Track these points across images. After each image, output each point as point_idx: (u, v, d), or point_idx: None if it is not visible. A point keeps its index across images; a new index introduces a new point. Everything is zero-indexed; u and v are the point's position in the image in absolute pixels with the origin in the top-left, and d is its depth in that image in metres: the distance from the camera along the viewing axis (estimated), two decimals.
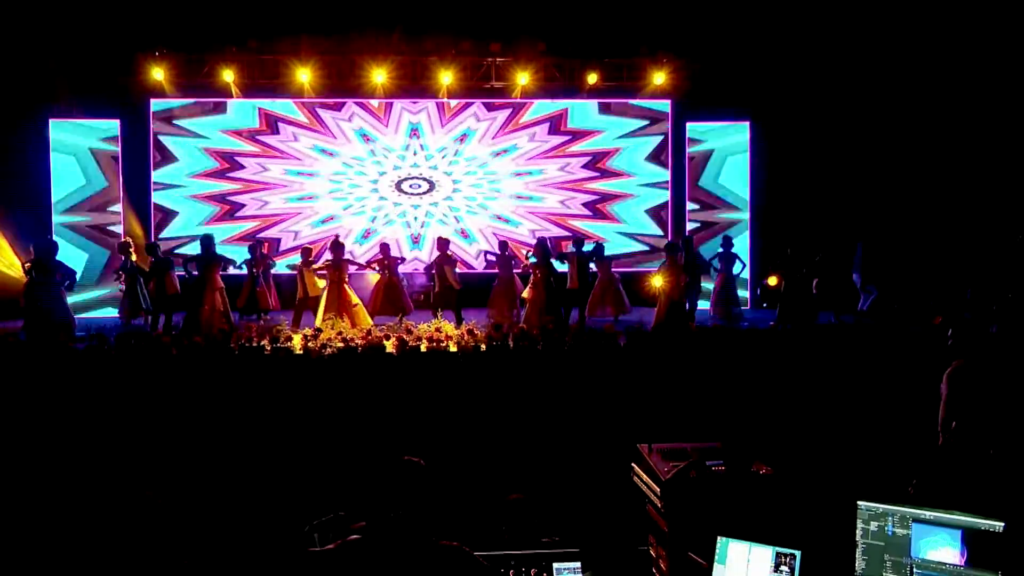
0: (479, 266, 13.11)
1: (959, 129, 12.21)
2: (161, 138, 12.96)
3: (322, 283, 10.59)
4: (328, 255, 10.84)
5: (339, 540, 2.49)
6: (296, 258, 11.59)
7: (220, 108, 13.07)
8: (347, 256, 11.00)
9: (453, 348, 8.31)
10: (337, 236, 11.62)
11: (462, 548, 2.45)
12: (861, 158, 12.68)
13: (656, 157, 13.59)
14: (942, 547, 2.75)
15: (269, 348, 8.21)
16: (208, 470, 7.67)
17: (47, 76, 12.08)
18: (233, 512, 6.03)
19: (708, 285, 11.90)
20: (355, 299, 10.43)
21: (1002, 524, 2.68)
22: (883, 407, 8.39)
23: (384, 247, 11.41)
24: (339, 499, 3.75)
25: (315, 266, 10.89)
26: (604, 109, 13.54)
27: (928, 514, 2.80)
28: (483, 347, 8.30)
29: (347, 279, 10.54)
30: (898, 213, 12.54)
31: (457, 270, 11.23)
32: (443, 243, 11.26)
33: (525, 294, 10.83)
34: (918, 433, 7.62)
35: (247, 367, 8.11)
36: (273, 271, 11.81)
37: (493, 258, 11.59)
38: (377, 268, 11.16)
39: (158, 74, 12.31)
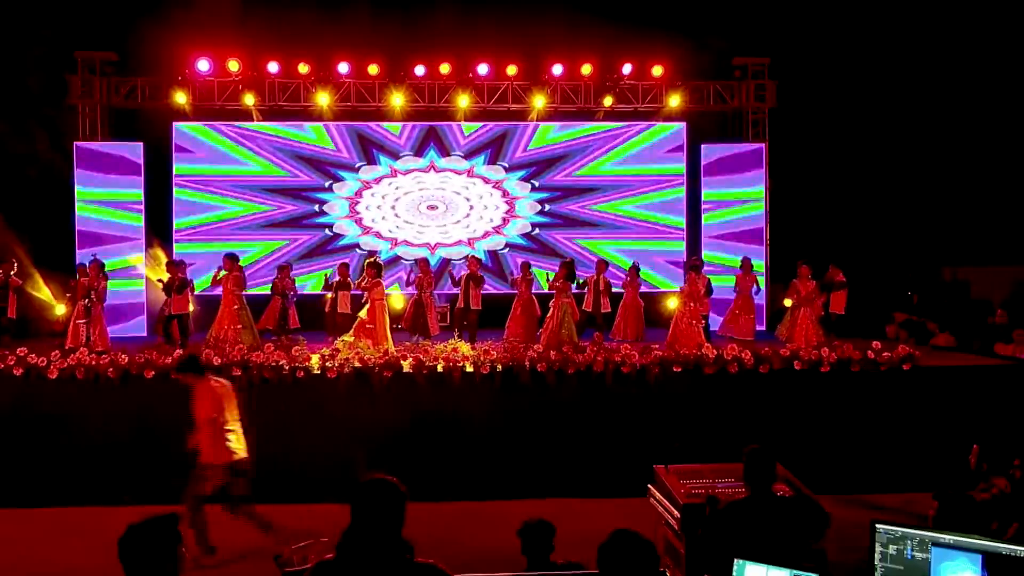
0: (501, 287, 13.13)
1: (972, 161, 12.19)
2: (182, 157, 13.17)
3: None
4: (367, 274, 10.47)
5: (315, 561, 2.52)
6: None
7: (242, 129, 13.29)
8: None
9: (469, 368, 8.33)
10: (376, 255, 11.59)
11: (436, 566, 2.47)
12: (872, 177, 12.68)
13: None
14: (962, 571, 2.73)
15: (288, 368, 8.26)
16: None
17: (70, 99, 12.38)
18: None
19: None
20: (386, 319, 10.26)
21: (1023, 549, 2.66)
22: (904, 430, 8.31)
23: (424, 263, 11.38)
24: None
25: (359, 282, 10.53)
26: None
27: (948, 538, 2.78)
28: (499, 368, 8.32)
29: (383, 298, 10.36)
30: (908, 238, 12.52)
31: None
32: (475, 262, 11.33)
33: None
34: (938, 457, 7.54)
35: (264, 386, 8.18)
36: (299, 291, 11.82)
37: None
38: (407, 284, 11.05)
39: (181, 98, 12.54)
